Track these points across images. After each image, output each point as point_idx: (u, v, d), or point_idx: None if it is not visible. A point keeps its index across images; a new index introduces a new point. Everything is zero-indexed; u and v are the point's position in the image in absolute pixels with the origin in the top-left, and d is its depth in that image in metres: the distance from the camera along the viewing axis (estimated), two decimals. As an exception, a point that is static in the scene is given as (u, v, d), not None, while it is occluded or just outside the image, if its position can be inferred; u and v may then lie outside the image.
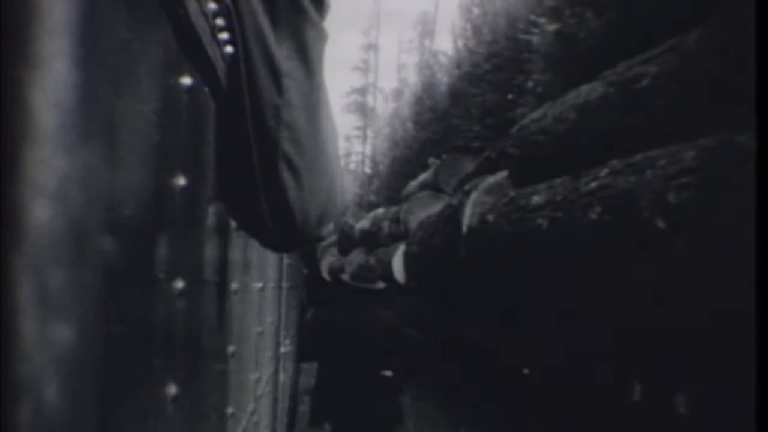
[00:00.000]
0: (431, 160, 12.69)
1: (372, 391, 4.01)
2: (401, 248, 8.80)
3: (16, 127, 0.33)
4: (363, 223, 13.67)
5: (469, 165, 8.89)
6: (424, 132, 20.15)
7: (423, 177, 11.56)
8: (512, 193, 4.43)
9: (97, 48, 0.40)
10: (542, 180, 3.99)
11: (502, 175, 5.03)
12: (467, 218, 4.84)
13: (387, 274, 8.87)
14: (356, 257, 11.93)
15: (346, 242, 14.38)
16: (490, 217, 4.51)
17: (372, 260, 9.84)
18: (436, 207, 7.74)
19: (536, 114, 4.90)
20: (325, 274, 13.06)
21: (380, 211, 13.16)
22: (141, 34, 0.48)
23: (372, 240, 11.89)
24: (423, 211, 9.07)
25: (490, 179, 5.05)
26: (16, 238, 0.33)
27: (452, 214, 5.43)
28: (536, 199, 3.74)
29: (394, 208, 11.82)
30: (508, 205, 4.30)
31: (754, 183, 1.16)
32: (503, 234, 4.17)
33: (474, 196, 4.95)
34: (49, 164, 0.34)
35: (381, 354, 4.08)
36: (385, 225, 11.17)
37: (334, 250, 15.05)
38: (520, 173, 4.82)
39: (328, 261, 14.06)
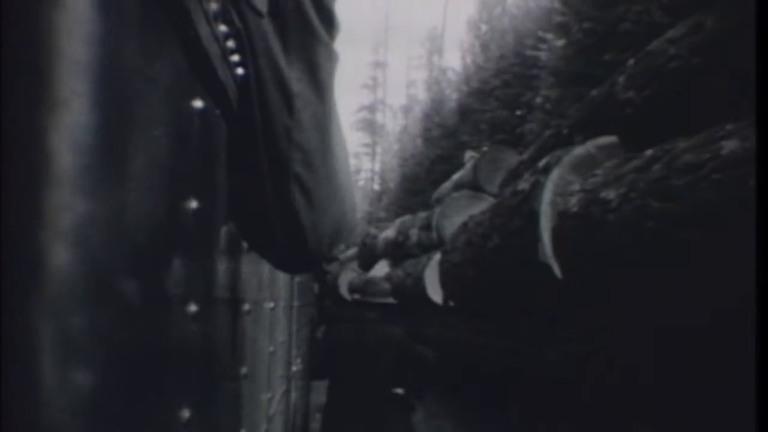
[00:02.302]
0: (469, 153, 11.09)
1: (384, 409, 3.99)
2: (436, 258, 7.44)
3: (35, 169, 0.33)
4: (387, 233, 12.00)
5: (514, 158, 7.54)
6: (433, 148, 20.20)
7: (458, 175, 10.03)
8: (649, 152, 2.83)
9: (114, 80, 0.40)
10: (704, 125, 2.51)
11: (605, 140, 3.51)
12: (549, 206, 3.40)
13: (418, 292, 7.83)
14: (380, 271, 10.61)
15: (368, 255, 12.80)
16: (611, 194, 2.86)
17: (382, 275, 9.04)
18: (476, 209, 6.38)
19: (674, 32, 3.36)
20: (344, 292, 12.00)
21: (407, 217, 11.45)
22: (153, 59, 0.48)
23: (398, 251, 10.46)
24: (460, 214, 7.70)
25: (579, 149, 3.53)
26: (36, 282, 0.33)
27: (522, 203, 3.75)
28: (733, 146, 2.18)
29: (423, 214, 10.31)
30: (644, 171, 2.71)
31: None
32: (648, 215, 2.57)
33: (557, 173, 3.45)
34: (68, 202, 0.35)
35: (392, 371, 4.06)
36: (414, 233, 9.77)
37: (355, 265, 13.63)
38: (643, 128, 3.25)
39: (348, 277, 12.72)
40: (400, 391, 4.07)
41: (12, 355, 0.32)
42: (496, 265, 4.35)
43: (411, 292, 8.14)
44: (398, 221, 11.87)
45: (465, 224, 5.78)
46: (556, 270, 3.36)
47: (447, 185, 10.38)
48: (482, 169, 8.56)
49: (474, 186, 8.60)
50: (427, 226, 9.09)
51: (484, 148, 9.93)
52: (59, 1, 0.36)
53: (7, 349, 0.31)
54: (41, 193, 0.34)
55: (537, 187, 3.54)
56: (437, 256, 7.21)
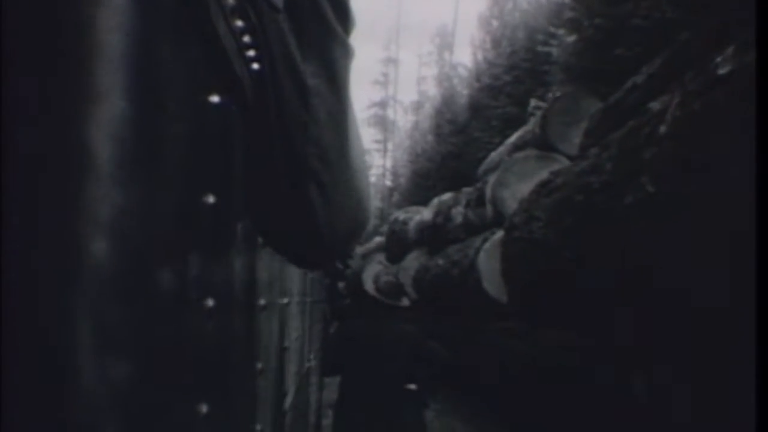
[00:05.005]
0: (534, 102, 8.73)
1: (396, 405, 4.00)
2: (494, 240, 5.58)
3: (76, 161, 0.34)
4: (424, 214, 9.91)
5: (593, 107, 5.32)
6: (444, 144, 20.19)
7: (518, 133, 7.72)
8: None
9: (146, 74, 0.41)
10: None
11: None
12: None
13: (470, 286, 6.08)
14: (413, 262, 9.34)
15: (397, 245, 11.17)
16: None
17: (399, 274, 8.24)
18: (546, 174, 4.60)
19: None
20: (369, 287, 10.77)
21: (447, 195, 9.23)
22: (176, 54, 0.48)
23: (437, 236, 8.35)
24: (527, 180, 5.67)
25: None
26: (76, 274, 0.33)
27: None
28: None
29: (468, 189, 7.93)
30: None
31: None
32: None
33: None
34: (107, 194, 0.35)
35: (405, 367, 4.07)
36: (458, 212, 7.59)
37: (381, 257, 11.96)
38: None
39: (373, 271, 10.35)
40: (412, 386, 4.07)
41: (51, 347, 0.32)
42: (640, 233, 2.42)
43: (458, 285, 6.54)
44: (436, 200, 9.74)
45: (544, 183, 4.03)
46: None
47: (501, 149, 7.97)
48: (553, 122, 6.43)
49: (542, 144, 6.53)
50: (477, 202, 7.03)
51: (558, 94, 7.18)
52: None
53: (46, 341, 0.32)
54: (81, 184, 0.34)
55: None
56: (497, 237, 5.38)
